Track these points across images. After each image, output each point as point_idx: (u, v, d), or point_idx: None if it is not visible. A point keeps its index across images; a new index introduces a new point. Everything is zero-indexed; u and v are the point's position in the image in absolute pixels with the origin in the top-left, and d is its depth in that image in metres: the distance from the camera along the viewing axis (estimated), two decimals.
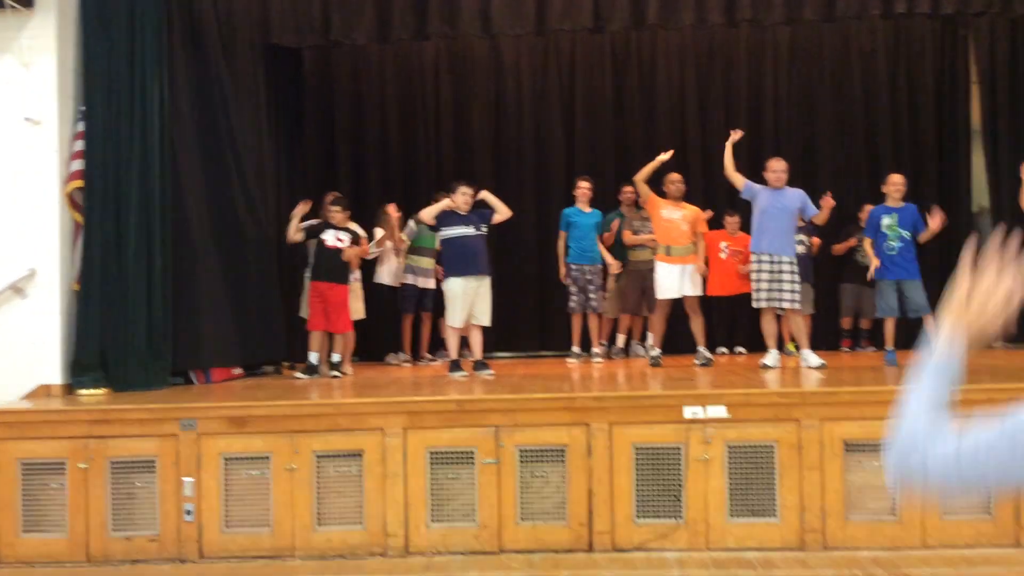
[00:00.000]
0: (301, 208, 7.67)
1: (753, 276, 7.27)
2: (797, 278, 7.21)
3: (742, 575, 4.65)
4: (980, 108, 10.19)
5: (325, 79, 10.43)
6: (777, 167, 7.30)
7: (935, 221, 7.35)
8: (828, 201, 7.29)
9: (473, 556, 5.09)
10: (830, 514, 5.05)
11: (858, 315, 9.81)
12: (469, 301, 7.21)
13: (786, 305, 7.18)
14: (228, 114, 7.62)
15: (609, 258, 8.84)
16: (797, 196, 7.27)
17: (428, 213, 7.39)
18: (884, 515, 5.07)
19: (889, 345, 7.59)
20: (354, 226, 8.00)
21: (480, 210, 7.47)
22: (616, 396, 5.24)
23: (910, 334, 9.00)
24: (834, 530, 5.05)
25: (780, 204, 7.20)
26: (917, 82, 10.47)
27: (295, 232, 7.68)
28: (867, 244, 7.71)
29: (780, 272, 7.13)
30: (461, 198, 7.31)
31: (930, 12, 8.64)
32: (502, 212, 7.41)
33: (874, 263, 7.52)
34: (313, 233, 7.72)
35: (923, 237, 7.48)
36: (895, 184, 7.61)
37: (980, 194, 10.38)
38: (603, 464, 5.11)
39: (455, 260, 7.27)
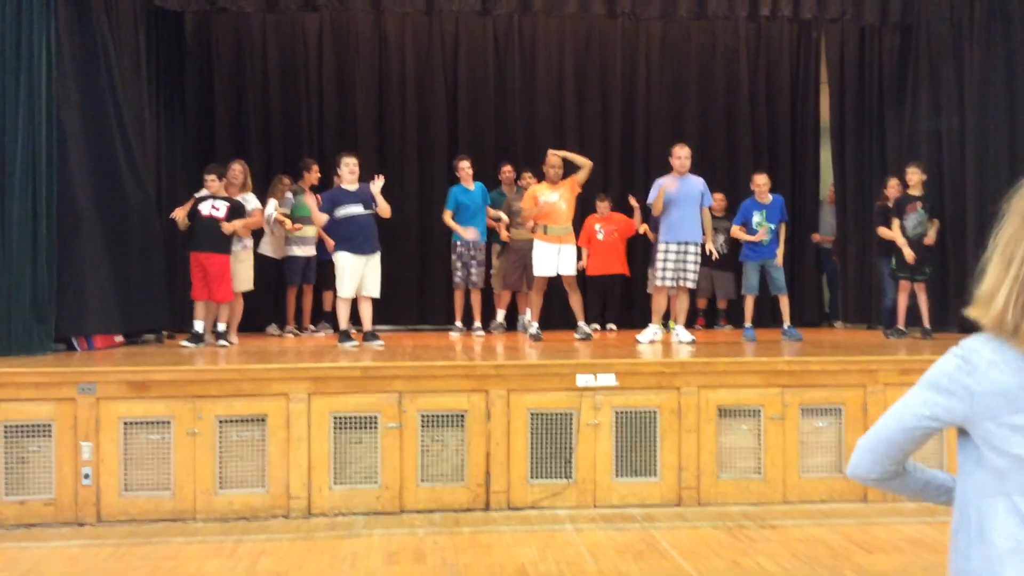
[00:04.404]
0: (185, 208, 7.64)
1: (658, 259, 7.75)
2: (699, 260, 7.80)
3: (628, 528, 5.06)
4: (829, 107, 11.07)
5: (206, 45, 10.25)
6: (681, 153, 7.79)
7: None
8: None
9: (375, 516, 5.30)
10: (704, 473, 5.55)
11: (713, 296, 10.55)
12: (359, 274, 7.37)
13: (689, 284, 7.75)
14: (112, 76, 7.45)
15: (503, 231, 9.16)
16: (699, 182, 7.80)
17: None
18: (751, 474, 5.61)
19: (748, 322, 8.30)
20: (248, 194, 7.98)
21: (367, 184, 7.61)
22: (515, 365, 5.55)
23: (763, 314, 9.84)
24: (707, 487, 5.55)
25: (685, 192, 7.69)
26: (774, 80, 11.27)
27: (183, 223, 7.61)
28: (735, 230, 8.40)
29: (686, 255, 7.68)
30: (345, 169, 7.43)
31: (791, 16, 9.39)
32: (383, 210, 7.48)
33: (755, 237, 8.21)
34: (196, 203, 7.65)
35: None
36: (758, 185, 8.34)
37: (826, 186, 11.32)
38: (500, 428, 5.43)
39: (346, 238, 7.40)
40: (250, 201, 8.00)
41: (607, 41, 10.94)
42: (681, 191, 7.68)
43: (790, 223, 8.98)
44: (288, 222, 8.83)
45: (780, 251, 8.37)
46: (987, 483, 1.63)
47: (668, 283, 7.73)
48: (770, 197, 8.29)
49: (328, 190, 8.13)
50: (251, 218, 7.85)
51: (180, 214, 7.56)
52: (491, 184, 9.90)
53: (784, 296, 8.33)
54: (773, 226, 8.20)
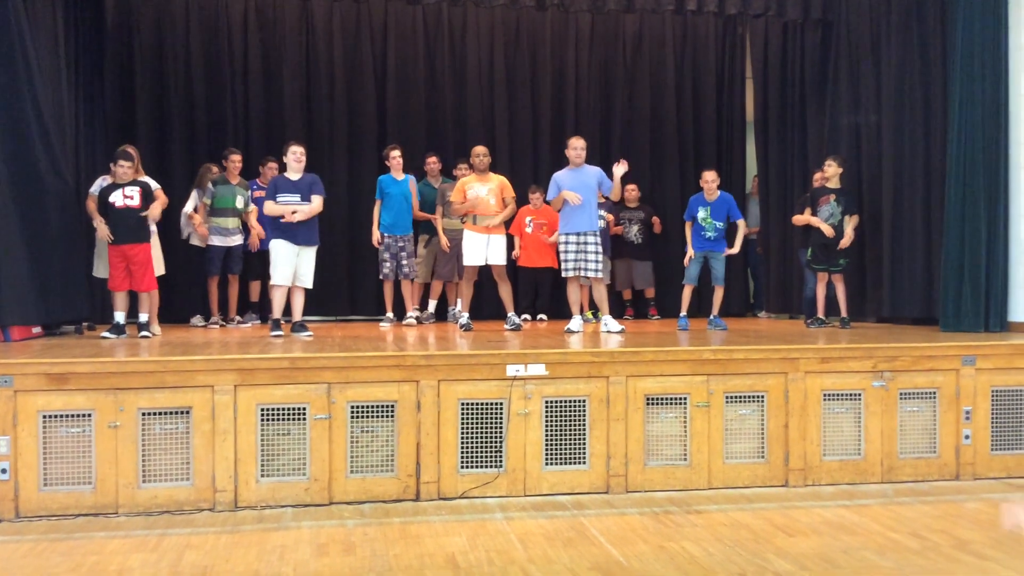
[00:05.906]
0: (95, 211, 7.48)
1: (560, 251, 7.79)
2: (600, 249, 7.80)
3: (558, 516, 5.12)
4: (753, 101, 11.31)
5: (127, 27, 9.98)
6: (577, 144, 7.82)
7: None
8: (621, 167, 7.77)
9: (304, 508, 5.26)
10: (632, 460, 5.63)
11: (634, 286, 10.70)
12: (293, 261, 7.32)
13: (590, 274, 7.75)
14: (27, 59, 7.17)
15: (441, 237, 9.14)
16: (595, 172, 7.82)
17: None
18: (677, 460, 5.72)
19: (683, 311, 8.44)
20: (144, 177, 7.79)
21: (311, 175, 7.55)
22: (445, 355, 5.55)
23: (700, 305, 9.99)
24: (634, 474, 5.64)
25: (580, 182, 7.71)
26: (700, 74, 11.44)
27: (100, 225, 7.41)
28: (687, 228, 8.55)
29: (585, 245, 7.69)
30: (292, 157, 7.42)
31: (716, 11, 9.55)
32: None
33: (689, 253, 8.47)
34: (103, 196, 7.44)
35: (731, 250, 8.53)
36: (707, 181, 8.46)
37: (751, 179, 11.56)
38: (431, 419, 5.43)
39: (284, 228, 7.34)
40: (150, 182, 7.81)
41: (536, 33, 10.97)
42: (575, 181, 7.73)
43: None
44: (198, 219, 8.70)
45: (737, 244, 8.59)
46: None
47: (571, 273, 7.79)
48: (718, 194, 8.40)
49: (273, 177, 8.00)
50: (160, 199, 7.70)
51: (102, 227, 7.34)
52: (419, 175, 9.87)
53: (720, 288, 8.48)
54: (720, 224, 8.34)
